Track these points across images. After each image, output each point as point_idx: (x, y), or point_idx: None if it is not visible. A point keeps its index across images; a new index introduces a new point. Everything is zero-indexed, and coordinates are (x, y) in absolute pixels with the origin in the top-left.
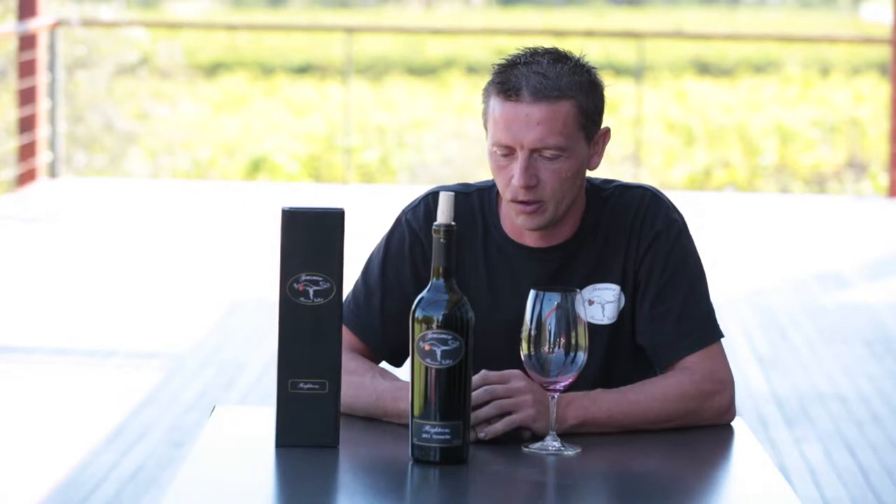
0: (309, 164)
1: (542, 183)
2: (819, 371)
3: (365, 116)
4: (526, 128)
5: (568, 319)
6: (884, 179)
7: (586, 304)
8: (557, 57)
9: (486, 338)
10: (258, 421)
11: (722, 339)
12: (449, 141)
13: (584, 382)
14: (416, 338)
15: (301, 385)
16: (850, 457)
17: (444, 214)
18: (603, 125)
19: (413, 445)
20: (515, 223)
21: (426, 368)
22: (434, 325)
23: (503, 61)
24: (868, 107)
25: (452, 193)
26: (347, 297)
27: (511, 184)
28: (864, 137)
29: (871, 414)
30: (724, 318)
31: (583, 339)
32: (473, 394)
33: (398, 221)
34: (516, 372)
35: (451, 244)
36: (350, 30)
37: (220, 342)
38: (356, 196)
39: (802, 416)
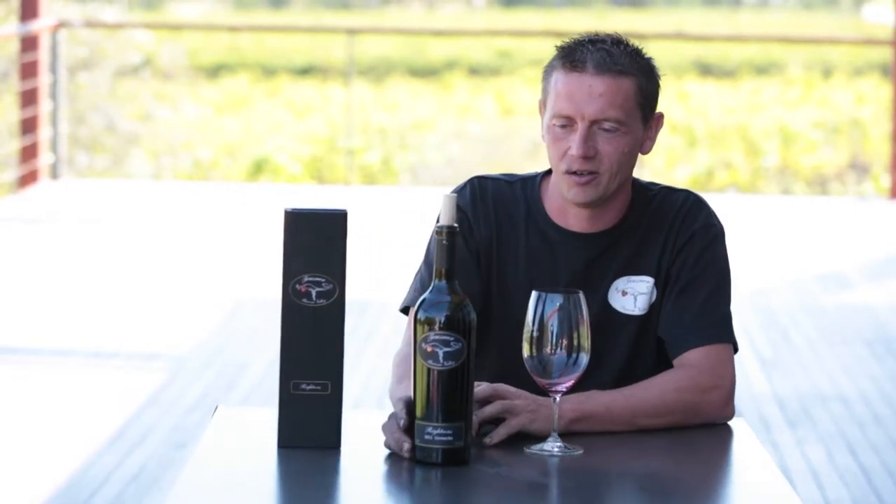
0: (311, 165)
1: (599, 155)
2: (820, 372)
3: (367, 118)
4: (588, 98)
5: (570, 321)
6: (886, 181)
7: (619, 294)
8: (620, 40)
9: (521, 324)
10: (260, 422)
11: (734, 349)
12: (451, 142)
13: (609, 372)
14: (419, 339)
15: (303, 386)
16: (851, 458)
17: (446, 216)
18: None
19: (415, 447)
20: (566, 196)
21: (428, 370)
22: (436, 327)
23: (566, 42)
24: (870, 108)
25: (455, 195)
26: (412, 285)
27: (567, 154)
28: (866, 139)
29: (873, 415)
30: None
31: (585, 340)
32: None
33: None
34: (500, 385)
35: (454, 246)
36: (352, 31)
37: (222, 343)
38: (358, 197)
39: (804, 417)
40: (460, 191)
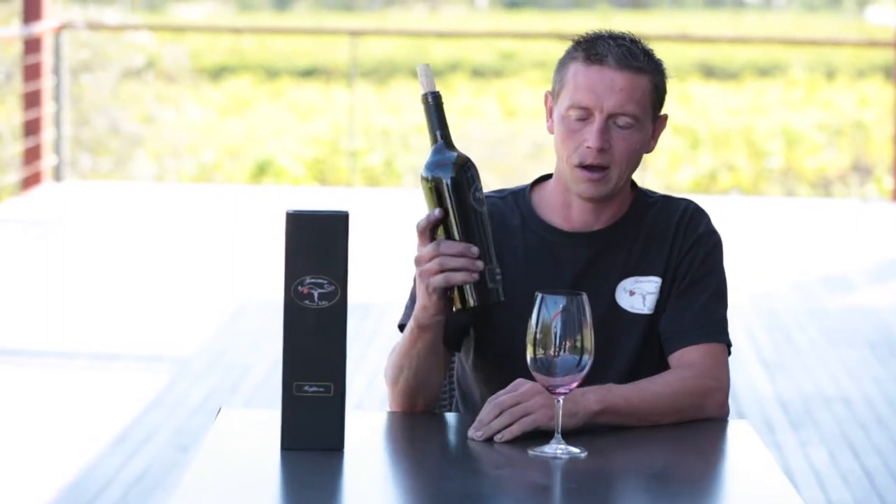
0: (314, 167)
1: (613, 149)
2: (824, 374)
3: (370, 119)
4: (609, 91)
5: (574, 323)
6: (889, 183)
7: (627, 294)
8: (635, 39)
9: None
10: (263, 424)
11: (728, 350)
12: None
13: (617, 371)
14: (470, 190)
15: (306, 388)
16: (855, 460)
17: (426, 84)
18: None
19: (489, 290)
20: (573, 191)
21: (480, 214)
22: (445, 186)
23: (584, 35)
24: (873, 110)
25: (428, 64)
26: (408, 301)
27: (581, 147)
28: (869, 141)
29: (876, 417)
30: (730, 321)
31: (589, 342)
32: (483, 410)
33: None
34: (519, 380)
35: (442, 108)
36: (355, 33)
37: (225, 345)
38: (361, 199)
39: (807, 420)
40: None
